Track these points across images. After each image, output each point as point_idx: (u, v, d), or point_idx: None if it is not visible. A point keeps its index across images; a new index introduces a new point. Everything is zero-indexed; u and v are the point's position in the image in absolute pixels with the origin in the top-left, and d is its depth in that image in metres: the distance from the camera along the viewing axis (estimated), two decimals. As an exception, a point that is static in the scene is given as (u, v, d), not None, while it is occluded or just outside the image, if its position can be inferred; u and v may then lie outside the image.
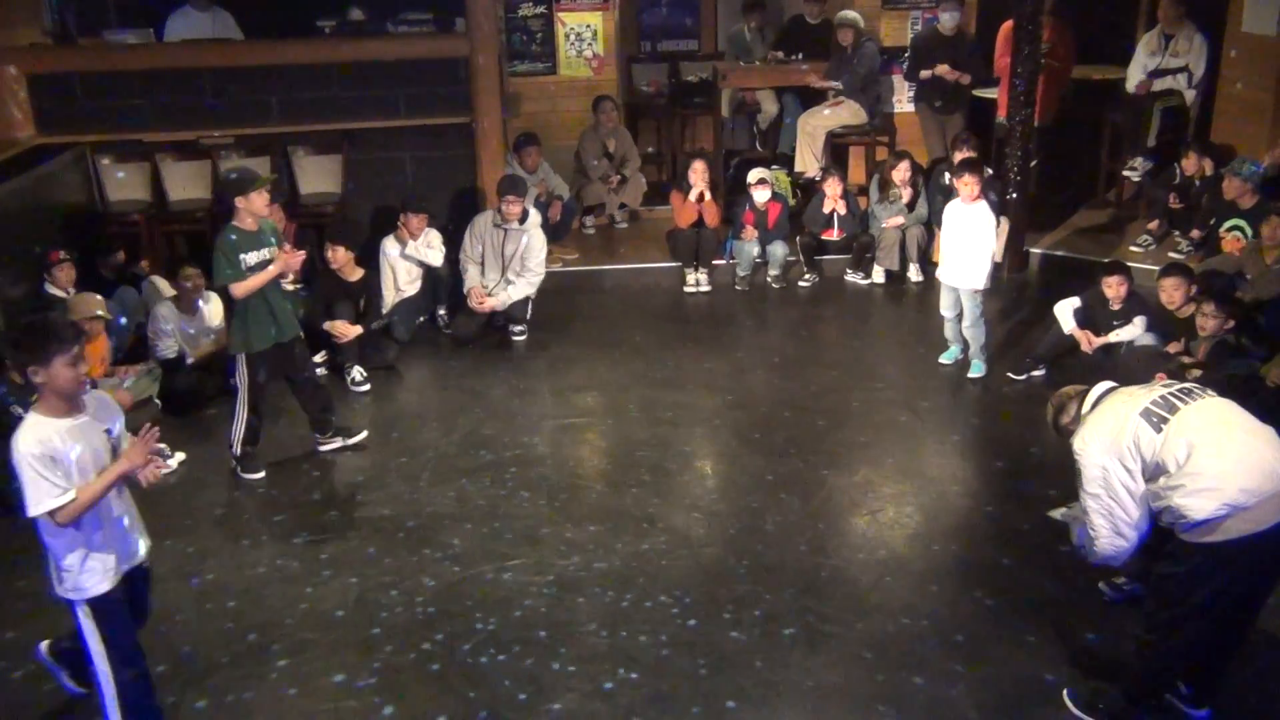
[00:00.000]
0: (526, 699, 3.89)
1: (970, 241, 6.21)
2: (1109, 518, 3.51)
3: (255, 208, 5.17)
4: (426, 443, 5.83)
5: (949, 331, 6.56)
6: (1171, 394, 3.51)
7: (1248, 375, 5.46)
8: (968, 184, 6.21)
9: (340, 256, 6.76)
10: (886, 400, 6.25)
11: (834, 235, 8.16)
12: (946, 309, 6.47)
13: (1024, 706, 3.81)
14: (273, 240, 5.31)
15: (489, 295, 7.23)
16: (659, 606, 4.40)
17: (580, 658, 4.09)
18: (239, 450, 5.47)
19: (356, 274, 6.85)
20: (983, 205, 6.27)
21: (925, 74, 8.79)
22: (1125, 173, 8.64)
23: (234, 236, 5.16)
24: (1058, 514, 4.56)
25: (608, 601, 4.44)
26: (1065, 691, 3.81)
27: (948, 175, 8.02)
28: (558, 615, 4.35)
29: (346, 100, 7.71)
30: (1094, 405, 3.65)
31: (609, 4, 9.73)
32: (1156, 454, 3.39)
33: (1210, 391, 3.57)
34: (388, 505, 5.22)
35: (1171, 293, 6.02)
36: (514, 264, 7.28)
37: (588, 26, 9.74)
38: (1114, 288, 6.20)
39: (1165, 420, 3.41)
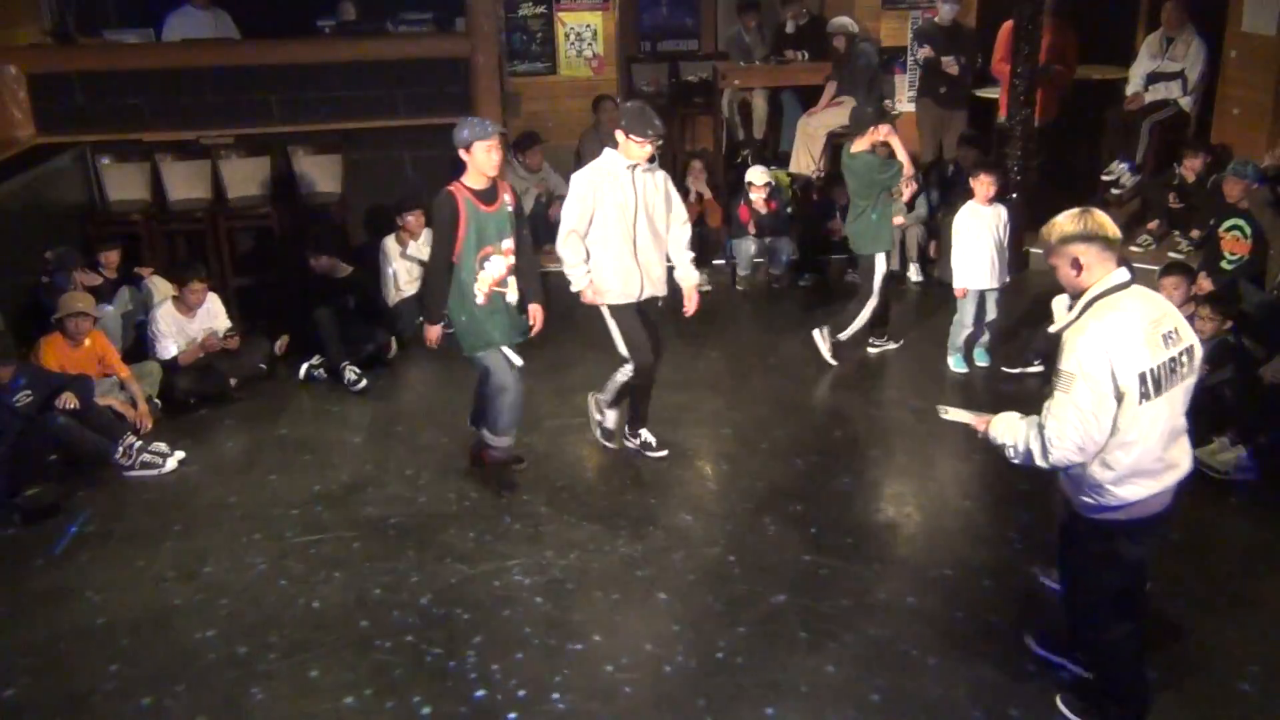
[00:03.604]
0: (526, 699, 3.89)
1: (998, 242, 6.35)
2: (1080, 432, 3.25)
3: (883, 135, 6.37)
4: (426, 443, 5.83)
5: (962, 338, 6.54)
6: (1172, 362, 3.28)
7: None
8: (985, 184, 6.29)
9: (325, 263, 6.80)
10: (887, 400, 6.24)
11: (842, 230, 8.10)
12: (972, 318, 6.49)
13: (1024, 706, 3.81)
14: None
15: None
16: (658, 606, 4.40)
17: (580, 658, 4.09)
18: (844, 338, 6.59)
19: (343, 272, 6.88)
20: (998, 206, 6.39)
21: (924, 52, 8.77)
22: (1104, 177, 8.69)
23: (867, 159, 6.36)
24: (950, 415, 3.77)
25: (607, 601, 4.44)
26: (1059, 697, 3.80)
27: (950, 166, 8.06)
28: (557, 615, 4.35)
29: (346, 100, 7.70)
30: (1108, 293, 3.33)
31: (609, 4, 9.72)
32: (1124, 417, 3.25)
33: (1194, 369, 3.38)
34: (388, 505, 5.22)
35: (1171, 292, 6.01)
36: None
37: (588, 26, 9.73)
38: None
39: (1148, 397, 3.24)
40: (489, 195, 4.88)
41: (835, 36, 8.81)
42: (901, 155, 6.47)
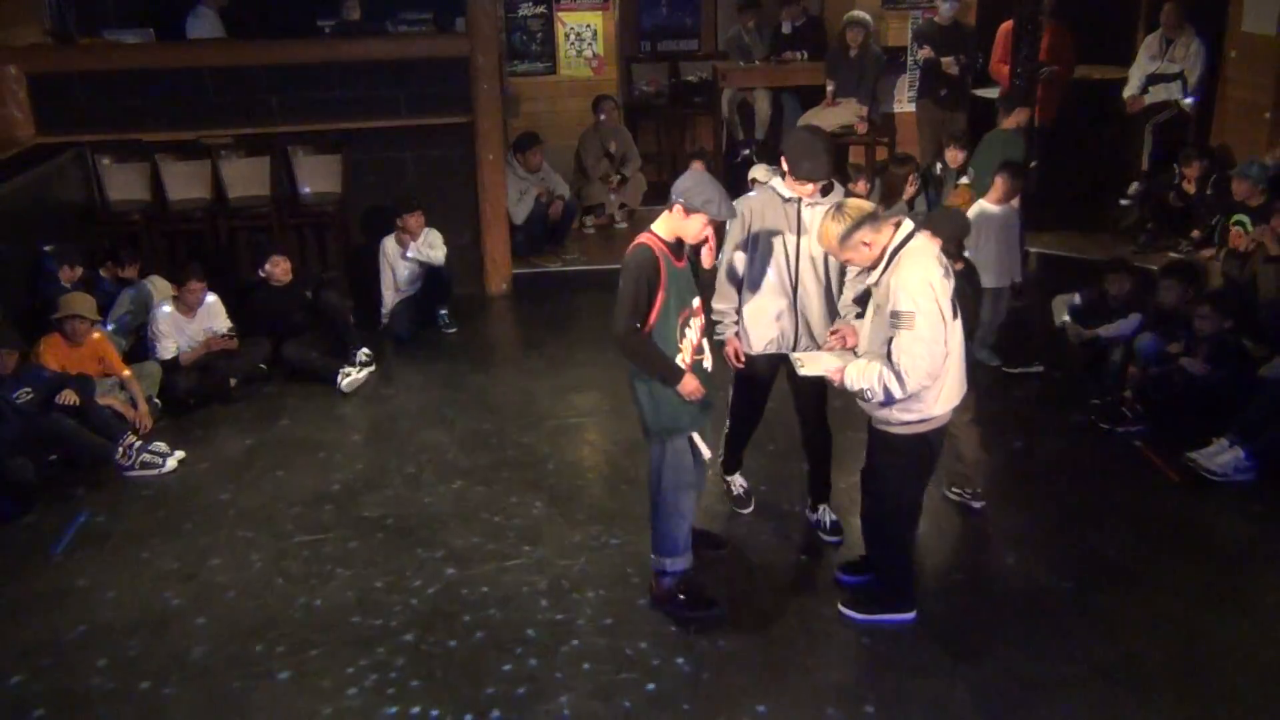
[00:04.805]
0: (526, 699, 3.89)
1: (1005, 242, 6.32)
2: (929, 360, 3.68)
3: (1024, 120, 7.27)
4: (426, 443, 5.83)
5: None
6: (955, 290, 3.78)
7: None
8: (995, 186, 6.28)
9: (283, 267, 6.73)
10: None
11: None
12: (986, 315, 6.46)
13: (1024, 706, 3.81)
14: None
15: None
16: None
17: (579, 658, 4.09)
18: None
19: (288, 277, 6.76)
20: (1008, 206, 6.37)
21: (924, 52, 8.77)
22: (1122, 202, 8.69)
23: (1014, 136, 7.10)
24: (807, 369, 4.13)
25: (607, 601, 4.43)
26: (840, 606, 4.26)
27: (939, 165, 8.05)
28: (557, 615, 4.35)
29: (346, 100, 7.70)
30: (904, 243, 3.74)
31: (609, 4, 9.73)
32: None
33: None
34: (388, 505, 5.22)
35: (1169, 292, 6.02)
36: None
37: (588, 26, 9.74)
38: (1117, 284, 6.21)
39: (955, 316, 3.74)
40: (679, 249, 4.12)
41: (852, 28, 8.78)
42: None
